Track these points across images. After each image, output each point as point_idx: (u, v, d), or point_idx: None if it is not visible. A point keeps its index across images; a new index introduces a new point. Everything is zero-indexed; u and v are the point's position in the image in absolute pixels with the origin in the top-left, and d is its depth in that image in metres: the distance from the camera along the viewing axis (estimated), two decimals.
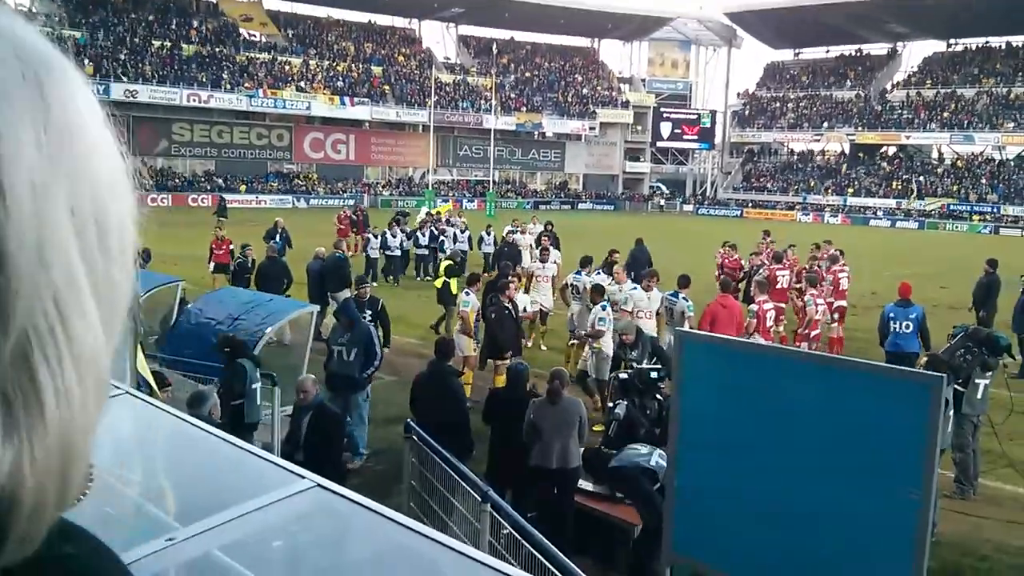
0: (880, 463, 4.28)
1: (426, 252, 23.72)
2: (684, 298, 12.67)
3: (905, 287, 12.47)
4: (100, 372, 0.52)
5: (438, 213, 29.11)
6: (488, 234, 24.75)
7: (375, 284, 21.24)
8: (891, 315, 12.23)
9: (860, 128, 69.44)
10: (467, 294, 12.63)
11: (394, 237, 23.02)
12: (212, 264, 18.73)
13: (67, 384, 0.49)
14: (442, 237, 23.84)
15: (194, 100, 54.15)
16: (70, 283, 0.48)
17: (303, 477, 1.81)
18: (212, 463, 2.20)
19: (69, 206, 0.48)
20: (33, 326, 0.46)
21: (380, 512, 1.55)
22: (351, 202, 47.94)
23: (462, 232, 24.59)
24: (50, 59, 0.50)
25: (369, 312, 11.44)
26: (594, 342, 11.84)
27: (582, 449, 7.85)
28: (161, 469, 2.23)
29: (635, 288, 13.02)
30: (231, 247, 18.45)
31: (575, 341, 13.40)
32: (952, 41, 73.01)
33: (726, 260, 19.66)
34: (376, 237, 23.03)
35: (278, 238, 19.69)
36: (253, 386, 8.48)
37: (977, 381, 8.96)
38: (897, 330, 12.10)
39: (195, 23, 60.10)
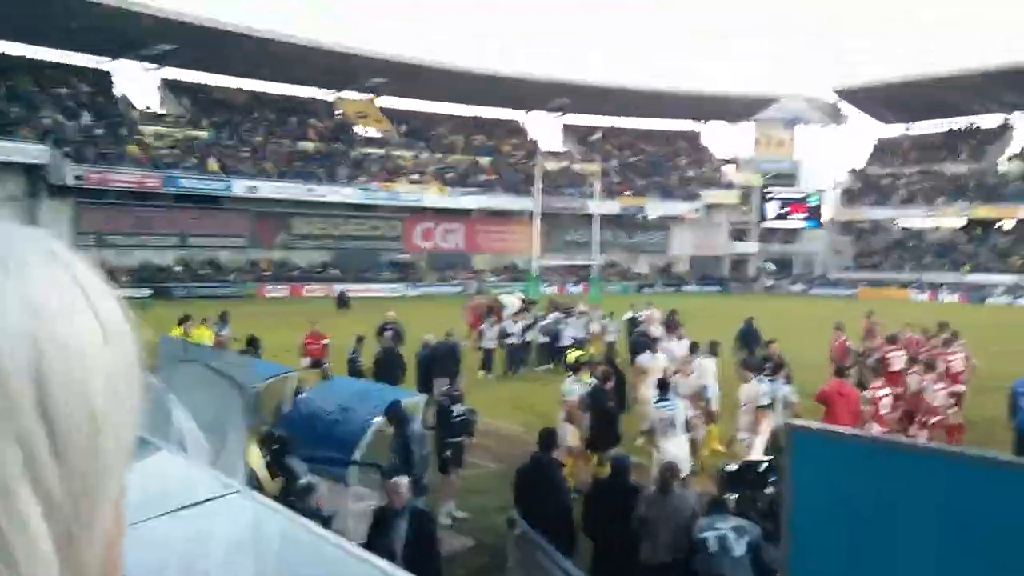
0: (1019, 567, 4.03)
1: (545, 340, 23.22)
2: (783, 383, 12.28)
3: None
4: None
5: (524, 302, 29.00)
6: (611, 321, 24.35)
7: (491, 376, 21.37)
8: (1021, 391, 11.83)
9: (975, 202, 66.96)
10: (572, 382, 12.54)
11: (515, 324, 22.72)
12: (308, 359, 18.10)
13: None
14: (559, 326, 23.26)
15: (312, 195, 56.47)
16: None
17: None
18: (321, 564, 2.25)
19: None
20: None
21: None
22: (464, 290, 47.92)
23: (573, 318, 23.68)
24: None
25: (463, 407, 11.41)
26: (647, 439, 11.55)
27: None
28: (271, 570, 2.31)
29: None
30: (325, 342, 18.46)
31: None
32: None
33: (833, 343, 19.02)
34: (490, 328, 22.51)
35: (389, 334, 19.70)
36: (302, 482, 8.03)
37: None
38: None
39: (313, 122, 63.18)
